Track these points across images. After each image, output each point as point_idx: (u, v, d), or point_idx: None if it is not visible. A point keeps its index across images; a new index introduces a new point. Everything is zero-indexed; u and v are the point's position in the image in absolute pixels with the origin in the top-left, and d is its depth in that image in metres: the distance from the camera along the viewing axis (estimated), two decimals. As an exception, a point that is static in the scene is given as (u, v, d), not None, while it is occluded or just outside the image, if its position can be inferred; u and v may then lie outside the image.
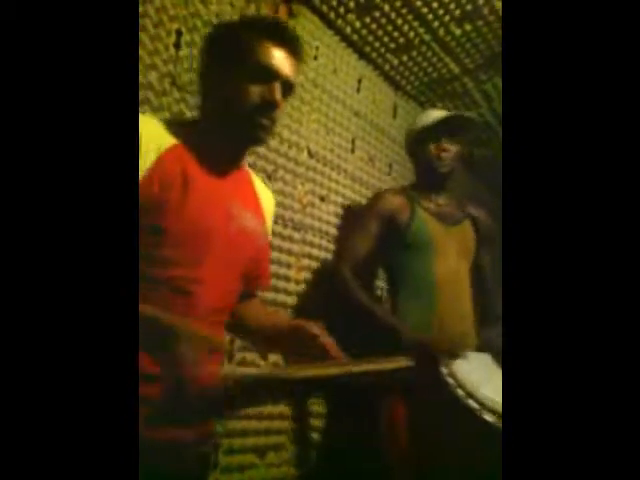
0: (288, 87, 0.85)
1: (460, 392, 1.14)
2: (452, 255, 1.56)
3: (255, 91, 0.81)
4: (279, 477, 1.50)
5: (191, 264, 0.80)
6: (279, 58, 0.82)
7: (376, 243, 1.57)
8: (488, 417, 1.08)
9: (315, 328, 0.83)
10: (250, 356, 1.45)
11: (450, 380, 1.17)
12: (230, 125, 0.84)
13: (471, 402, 1.11)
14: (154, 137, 0.79)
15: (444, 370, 1.20)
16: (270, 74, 0.82)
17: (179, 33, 1.35)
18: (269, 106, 0.82)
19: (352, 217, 1.83)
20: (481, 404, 1.11)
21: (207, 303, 0.82)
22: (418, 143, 1.64)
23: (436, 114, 1.63)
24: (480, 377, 1.19)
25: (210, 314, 0.83)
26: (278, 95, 0.82)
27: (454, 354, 1.27)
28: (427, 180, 1.65)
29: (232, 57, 0.83)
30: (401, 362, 0.89)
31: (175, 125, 0.86)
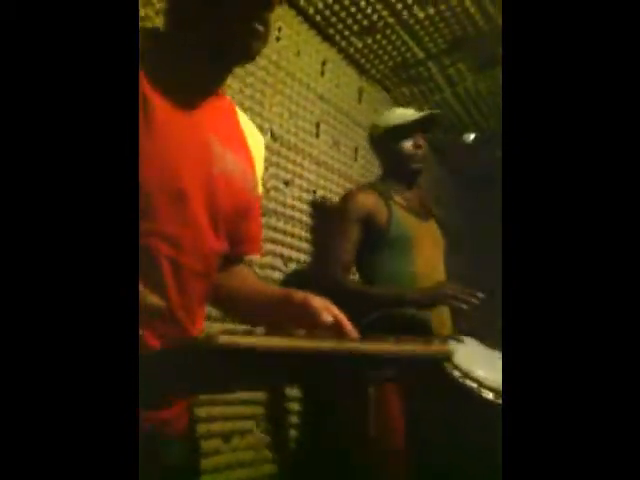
0: None
1: (457, 373, 1.16)
2: (428, 248, 1.62)
3: None
4: (245, 461, 1.50)
5: (163, 219, 0.63)
6: None
7: (358, 247, 1.58)
8: (486, 394, 1.12)
9: (319, 301, 0.70)
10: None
11: (447, 365, 1.17)
12: (210, 31, 0.64)
13: (468, 382, 1.14)
14: None
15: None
16: None
17: None
18: (266, 2, 0.64)
19: (329, 220, 1.79)
20: (478, 383, 1.14)
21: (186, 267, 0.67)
22: (389, 140, 1.65)
23: (409, 113, 1.69)
24: (474, 359, 1.21)
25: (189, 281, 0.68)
26: None
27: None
28: (398, 176, 1.66)
29: None
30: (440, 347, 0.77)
31: None
